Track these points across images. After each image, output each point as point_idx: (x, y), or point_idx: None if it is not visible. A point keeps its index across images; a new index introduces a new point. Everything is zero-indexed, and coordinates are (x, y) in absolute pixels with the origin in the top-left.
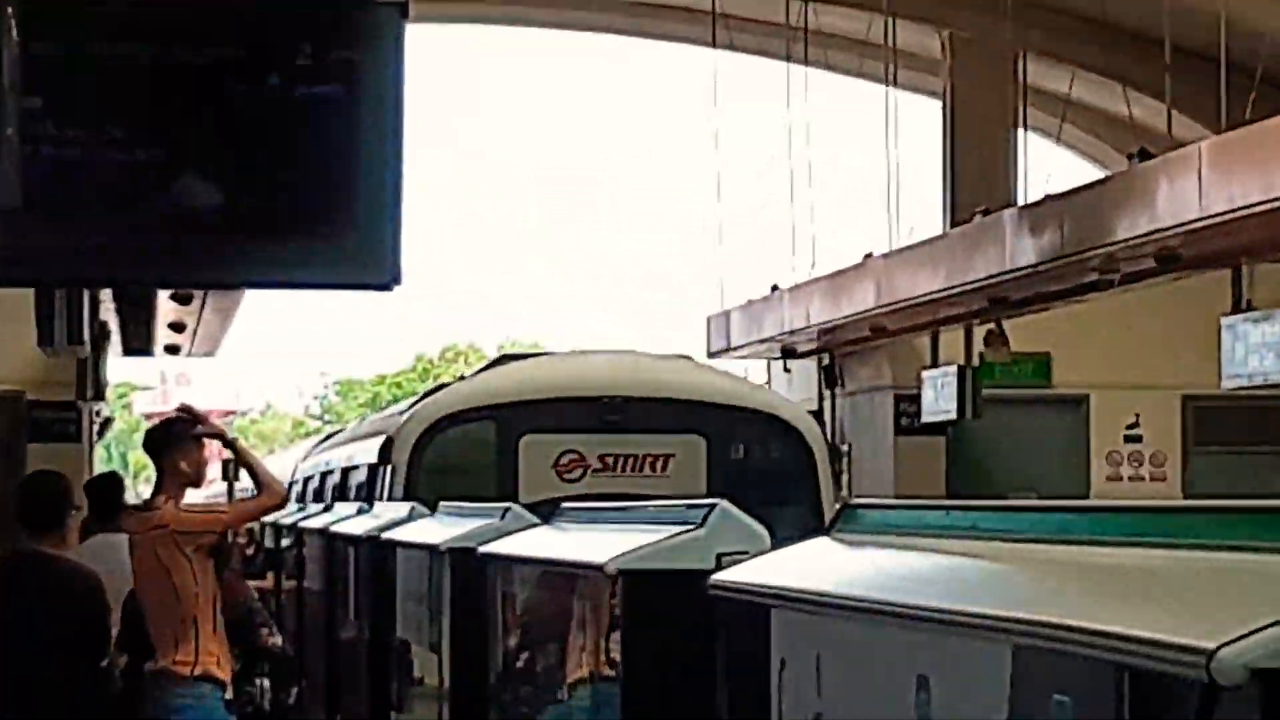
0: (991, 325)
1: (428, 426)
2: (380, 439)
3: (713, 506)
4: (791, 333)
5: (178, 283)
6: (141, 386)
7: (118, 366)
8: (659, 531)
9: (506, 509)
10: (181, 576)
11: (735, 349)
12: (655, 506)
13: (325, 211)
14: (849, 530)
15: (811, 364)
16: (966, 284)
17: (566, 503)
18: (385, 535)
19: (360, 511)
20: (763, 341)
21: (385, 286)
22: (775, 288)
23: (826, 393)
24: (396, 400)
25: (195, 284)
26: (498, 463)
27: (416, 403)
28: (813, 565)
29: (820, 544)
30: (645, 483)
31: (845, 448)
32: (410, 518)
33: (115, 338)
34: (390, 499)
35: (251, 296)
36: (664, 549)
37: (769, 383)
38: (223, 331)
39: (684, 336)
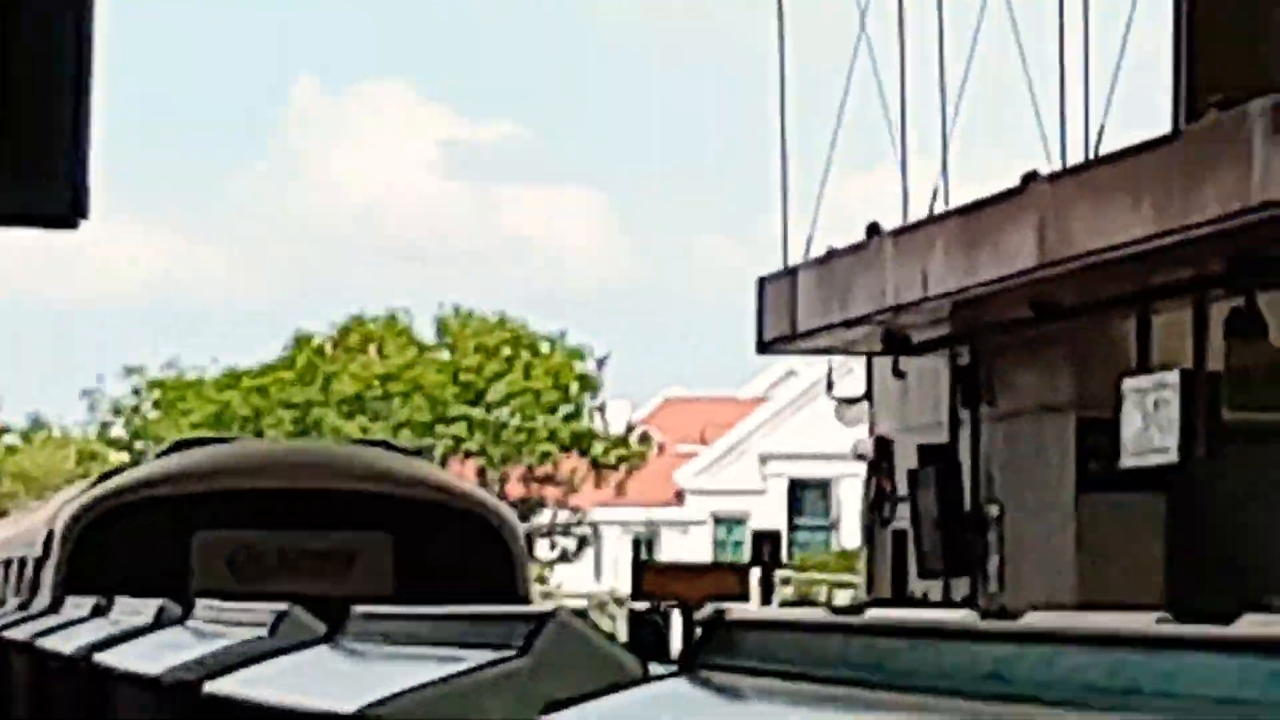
0: (1239, 301)
1: (94, 518)
2: (43, 530)
3: (541, 622)
4: (899, 308)
5: None
6: None
7: None
8: (464, 660)
9: (282, 614)
10: None
11: (804, 335)
12: (468, 618)
13: None
14: (718, 663)
15: (939, 364)
16: (1195, 226)
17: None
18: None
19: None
20: (852, 323)
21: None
22: (874, 230)
23: (963, 414)
24: (259, 417)
25: None
26: (171, 559)
27: (84, 490)
28: None
29: (673, 688)
30: (326, 581)
31: (993, 508)
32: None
33: None
34: (51, 595)
35: None
36: (469, 688)
37: (868, 393)
38: None
39: (716, 312)
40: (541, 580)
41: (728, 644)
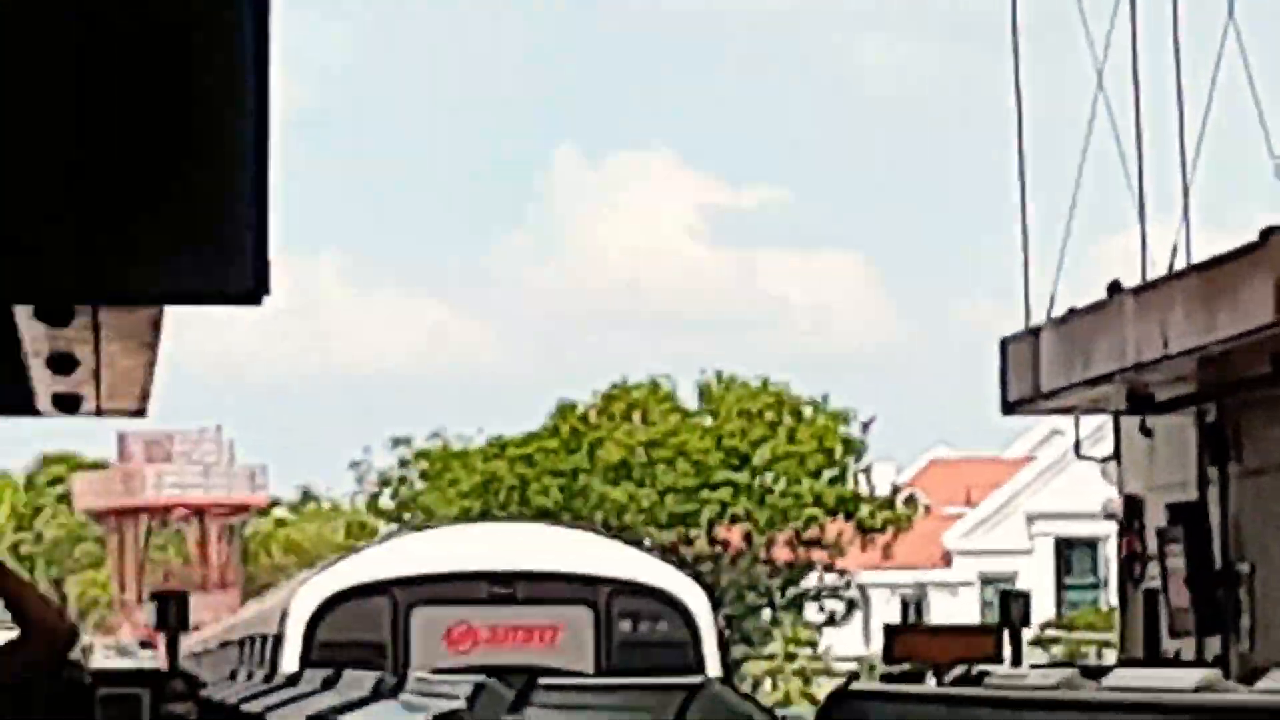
0: None
1: (326, 599)
2: (277, 612)
3: (693, 693)
4: (1140, 366)
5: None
6: (89, 464)
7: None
8: None
9: (479, 687)
10: None
11: (1047, 396)
12: (630, 688)
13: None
14: None
15: (1186, 422)
16: None
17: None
18: None
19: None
20: (1095, 382)
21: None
22: (1115, 288)
23: (1212, 471)
24: (525, 486)
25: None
26: (393, 635)
27: (316, 573)
28: None
29: None
30: (533, 652)
31: (1244, 566)
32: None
33: None
34: (289, 669)
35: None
36: None
37: (1116, 453)
38: (145, 372)
39: (979, 373)
40: (811, 644)
41: (852, 716)
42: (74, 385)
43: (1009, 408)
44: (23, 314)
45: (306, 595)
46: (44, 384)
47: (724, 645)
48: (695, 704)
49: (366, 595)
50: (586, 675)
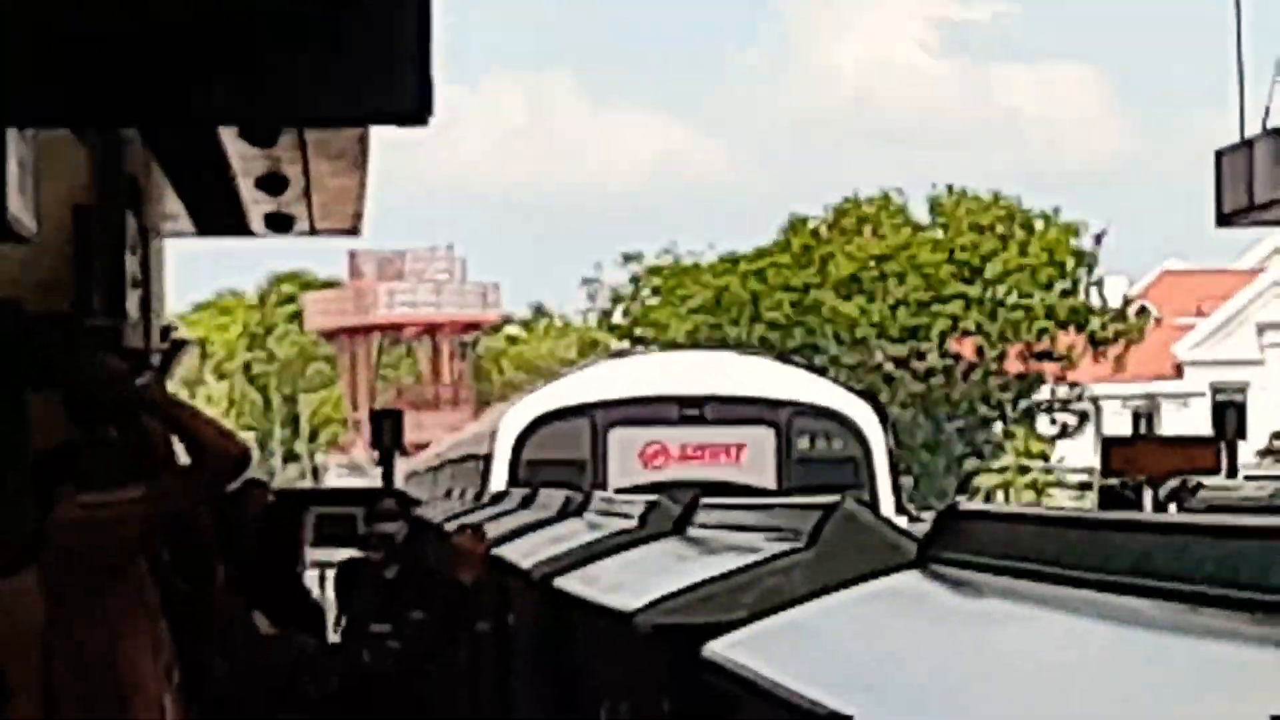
0: None
1: (529, 422)
2: (488, 432)
3: (828, 513)
4: None
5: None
6: (320, 282)
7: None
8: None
9: (651, 505)
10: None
11: (1261, 208)
12: (779, 507)
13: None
14: (949, 557)
15: None
16: None
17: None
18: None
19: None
20: None
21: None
22: None
23: None
24: (756, 301)
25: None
26: (592, 454)
27: (522, 398)
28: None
29: (902, 582)
30: (720, 469)
31: None
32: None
33: (172, 206)
34: (494, 487)
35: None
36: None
37: None
38: (357, 191)
39: (1198, 183)
40: (1044, 456)
41: (960, 538)
42: (285, 205)
43: (1224, 219)
44: (228, 135)
45: (514, 417)
46: (256, 204)
47: (894, 462)
48: (830, 523)
49: (568, 417)
50: (769, 489)
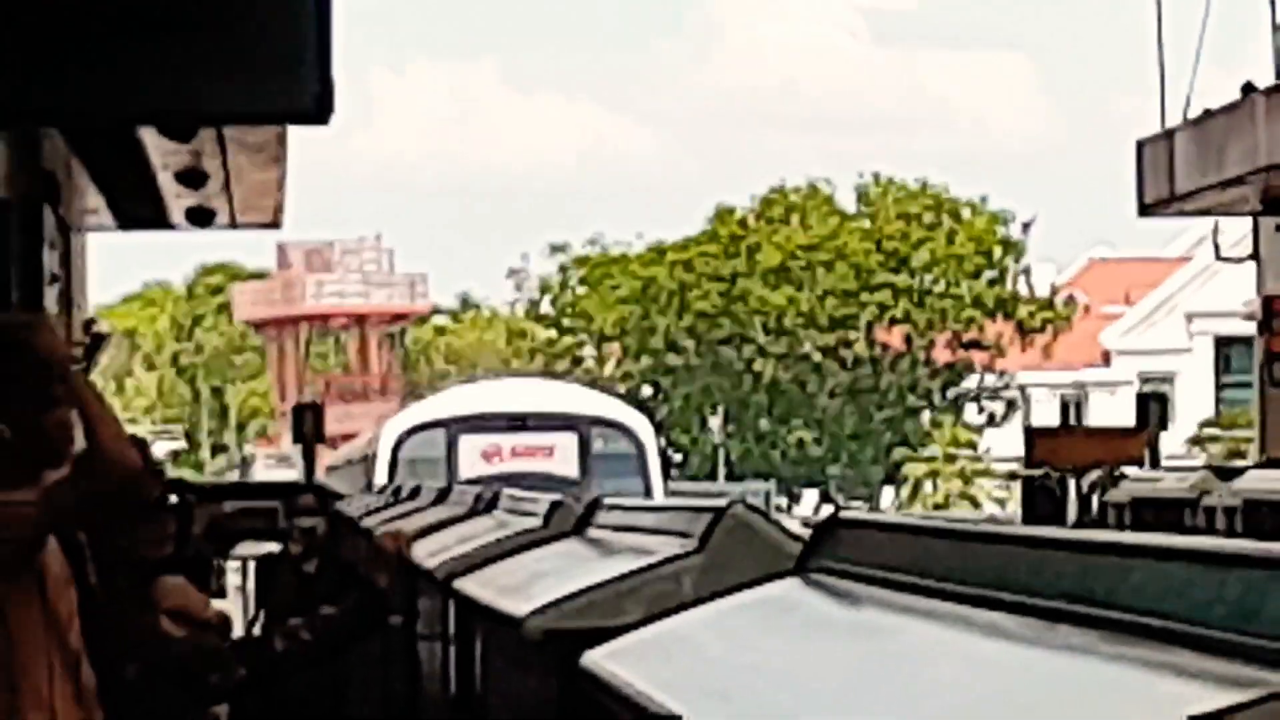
0: None
1: (402, 431)
2: (372, 439)
3: (718, 516)
4: (1272, 167)
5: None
6: (248, 273)
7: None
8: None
9: (556, 505)
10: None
11: (1183, 198)
12: (675, 510)
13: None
14: (828, 566)
15: None
16: None
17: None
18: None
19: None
20: (1228, 184)
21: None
22: (1249, 89)
23: None
24: (685, 291)
25: None
26: (449, 454)
27: (396, 415)
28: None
29: (782, 590)
30: (539, 463)
31: None
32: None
33: (93, 201)
34: (378, 480)
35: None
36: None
37: (1255, 253)
38: (276, 185)
39: (1127, 172)
40: (971, 445)
41: (840, 546)
42: (206, 199)
43: (1145, 209)
44: (147, 130)
45: (391, 427)
46: (177, 198)
47: (665, 460)
48: (720, 526)
49: (430, 428)
50: (574, 479)
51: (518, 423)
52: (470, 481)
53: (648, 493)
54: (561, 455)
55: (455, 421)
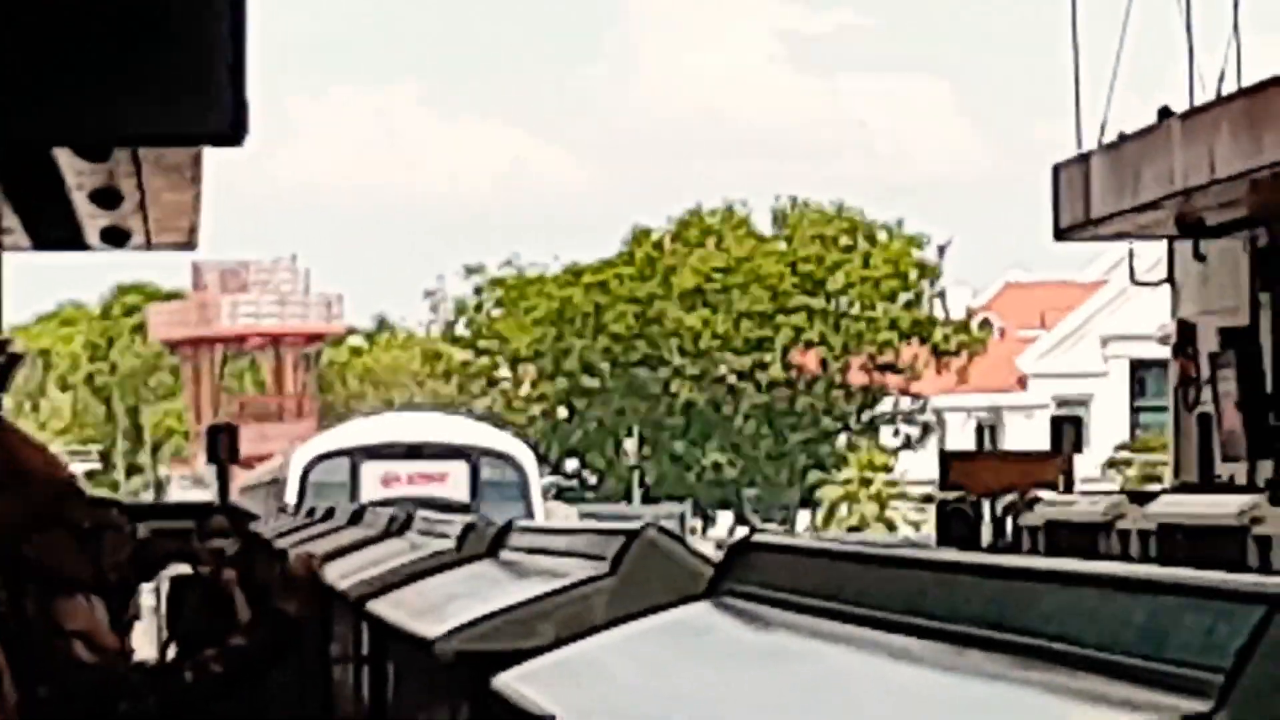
0: None
1: (310, 458)
2: (284, 464)
3: (630, 539)
4: (1188, 191)
5: None
6: (163, 294)
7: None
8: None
9: (469, 527)
10: None
11: (1099, 222)
12: (587, 532)
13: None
14: (738, 589)
15: (1238, 246)
16: None
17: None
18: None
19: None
20: (1144, 208)
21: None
22: (1165, 113)
23: (1263, 296)
24: (600, 312)
25: None
26: (351, 479)
27: (302, 444)
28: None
29: (693, 613)
30: (433, 488)
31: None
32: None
33: (7, 220)
34: (284, 508)
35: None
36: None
37: (1170, 277)
38: (192, 206)
39: (1042, 196)
40: (887, 469)
41: (751, 570)
42: (121, 219)
43: (1061, 234)
44: (61, 150)
45: (300, 454)
46: (91, 219)
47: (544, 485)
48: (632, 549)
49: (335, 455)
50: (464, 503)
51: (414, 452)
52: (372, 504)
53: (529, 515)
54: (453, 481)
55: (358, 450)
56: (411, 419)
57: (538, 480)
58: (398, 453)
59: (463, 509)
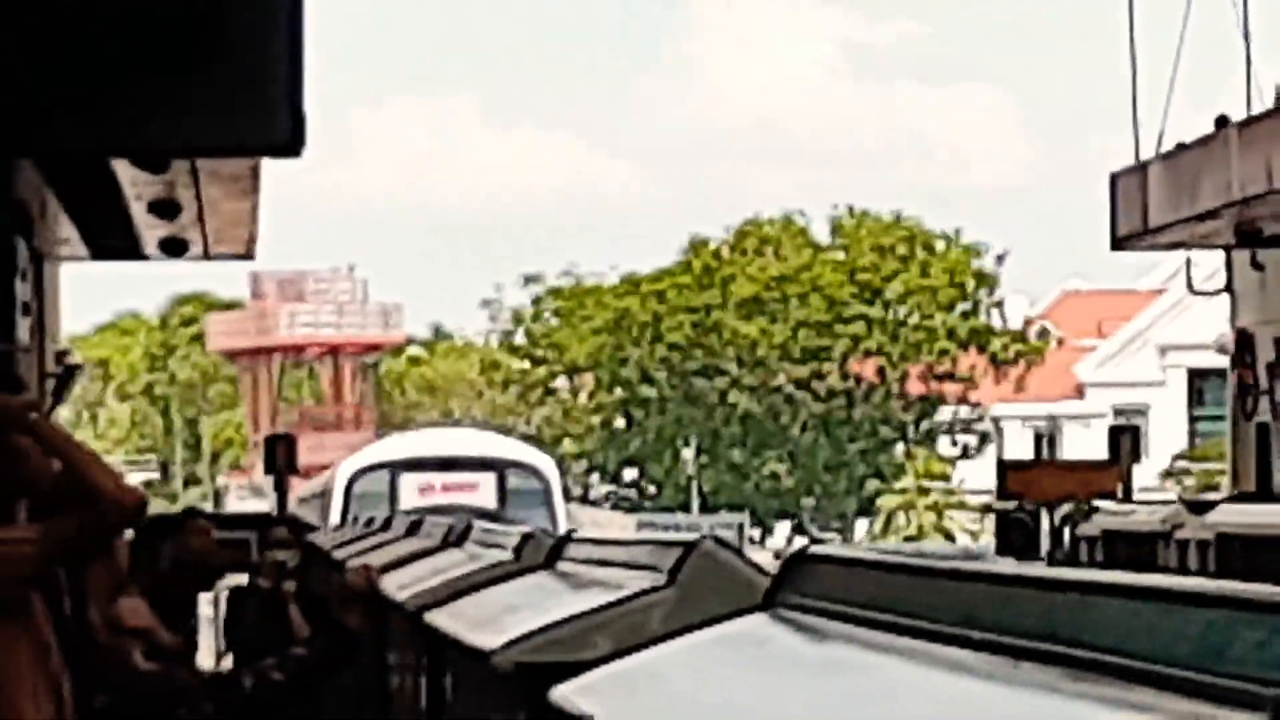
0: None
1: (354, 471)
2: (328, 478)
3: (688, 551)
4: (1246, 200)
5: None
6: (222, 304)
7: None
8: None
9: (527, 537)
10: None
11: (1156, 231)
12: (643, 543)
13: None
14: (794, 602)
15: None
16: None
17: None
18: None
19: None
20: (1203, 218)
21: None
22: (1222, 122)
23: None
24: (658, 322)
25: None
26: (391, 489)
27: (348, 457)
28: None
29: (747, 626)
30: (465, 496)
31: None
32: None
33: (66, 231)
34: (334, 513)
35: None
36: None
37: (1229, 286)
38: (249, 216)
39: (1101, 205)
40: (945, 478)
41: (806, 582)
42: (179, 230)
43: (1118, 243)
44: (120, 161)
45: (345, 468)
46: (150, 229)
47: (566, 493)
48: (689, 561)
49: (376, 469)
50: (494, 511)
51: (448, 464)
52: (408, 512)
53: (552, 522)
54: (483, 490)
55: (397, 464)
56: (445, 434)
57: (560, 490)
58: (433, 465)
59: (491, 517)
